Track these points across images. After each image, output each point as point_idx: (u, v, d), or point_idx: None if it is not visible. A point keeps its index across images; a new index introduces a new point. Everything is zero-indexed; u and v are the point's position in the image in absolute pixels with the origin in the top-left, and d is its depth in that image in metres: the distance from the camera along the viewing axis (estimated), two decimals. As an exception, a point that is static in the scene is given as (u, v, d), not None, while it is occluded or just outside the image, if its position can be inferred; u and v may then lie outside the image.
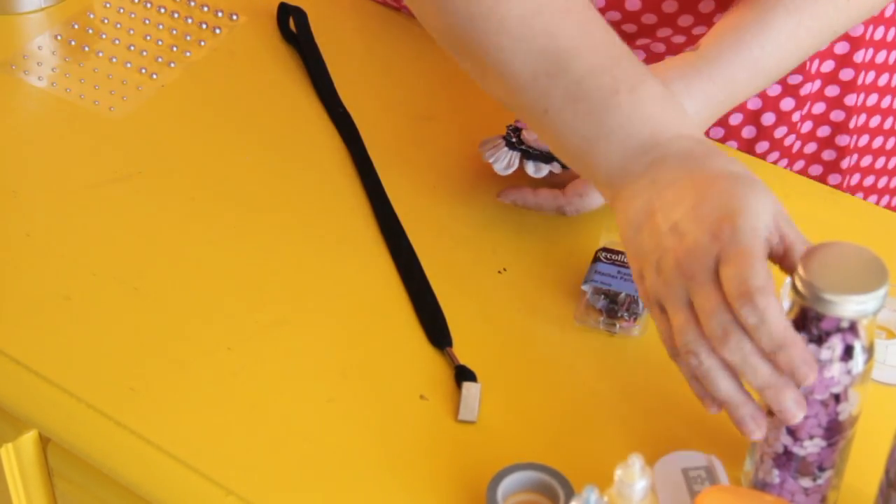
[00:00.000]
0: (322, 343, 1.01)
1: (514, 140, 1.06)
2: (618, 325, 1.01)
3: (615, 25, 1.18)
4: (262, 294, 1.04)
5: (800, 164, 1.23)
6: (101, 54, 1.26)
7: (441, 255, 1.07)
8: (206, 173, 1.14)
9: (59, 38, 1.28)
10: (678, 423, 0.95)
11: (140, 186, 1.13)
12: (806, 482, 0.86)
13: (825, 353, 0.81)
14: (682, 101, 0.99)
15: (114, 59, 1.26)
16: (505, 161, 1.05)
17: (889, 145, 1.26)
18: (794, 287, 0.81)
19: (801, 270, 0.81)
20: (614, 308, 1.01)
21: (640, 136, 0.91)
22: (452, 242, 1.08)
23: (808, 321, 0.82)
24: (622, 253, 1.04)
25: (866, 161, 1.25)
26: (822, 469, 0.86)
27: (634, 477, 0.81)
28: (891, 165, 1.27)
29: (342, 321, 1.02)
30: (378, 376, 0.98)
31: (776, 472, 0.86)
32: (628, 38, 1.18)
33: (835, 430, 0.84)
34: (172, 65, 1.25)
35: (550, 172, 1.05)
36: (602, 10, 1.16)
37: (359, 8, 1.31)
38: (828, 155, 1.23)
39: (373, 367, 0.99)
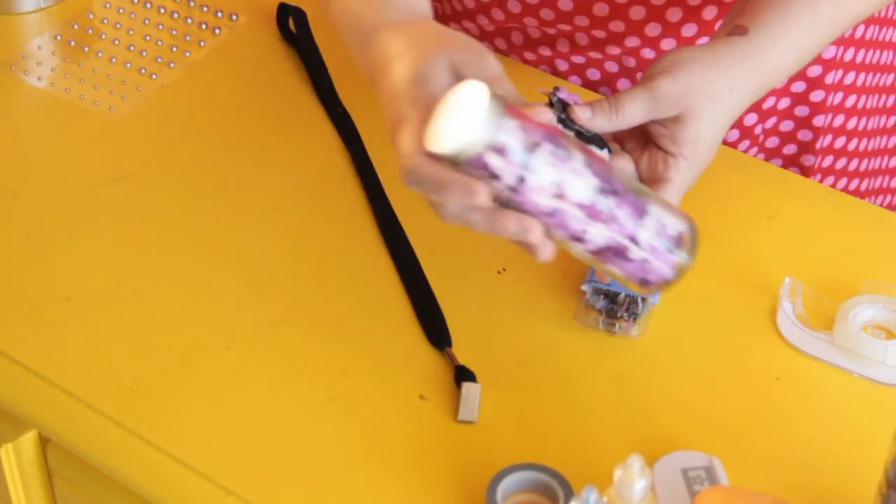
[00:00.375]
0: (322, 343, 1.01)
1: (563, 117, 0.96)
2: (617, 325, 1.01)
3: (584, 31, 1.18)
4: (262, 294, 1.04)
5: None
6: (100, 54, 1.26)
7: (441, 255, 1.07)
8: (206, 173, 1.14)
9: (58, 38, 1.28)
10: (678, 423, 0.95)
11: (140, 186, 1.13)
12: (636, 252, 0.89)
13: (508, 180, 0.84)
14: (732, 82, 0.98)
15: (113, 60, 1.26)
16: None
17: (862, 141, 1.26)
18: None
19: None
20: (614, 308, 1.01)
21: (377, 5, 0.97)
22: (452, 242, 1.08)
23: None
24: (622, 253, 1.04)
25: (840, 143, 1.25)
26: (631, 235, 0.88)
27: (634, 477, 0.81)
28: (861, 147, 1.27)
29: (342, 321, 1.02)
30: (378, 376, 0.98)
31: (612, 267, 0.89)
32: (599, 44, 1.18)
33: (593, 212, 0.86)
34: (172, 65, 1.25)
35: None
36: (570, 14, 1.16)
37: (359, 8, 1.31)
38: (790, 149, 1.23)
39: (373, 367, 0.99)
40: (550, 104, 0.95)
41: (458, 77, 0.89)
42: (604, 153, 0.95)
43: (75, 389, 0.98)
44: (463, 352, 0.99)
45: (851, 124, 1.23)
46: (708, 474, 0.89)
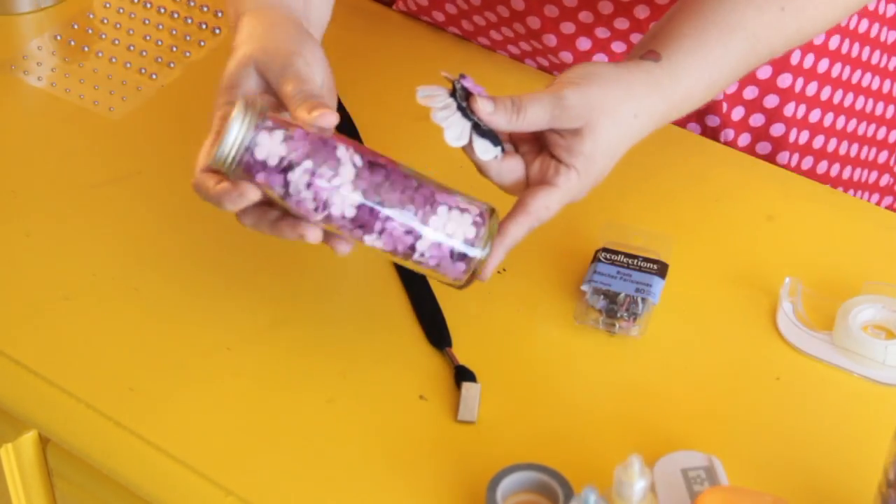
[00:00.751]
0: (322, 343, 1.01)
1: (464, 105, 0.94)
2: (617, 325, 1.01)
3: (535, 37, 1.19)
4: (262, 294, 1.04)
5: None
6: (100, 55, 1.26)
7: (441, 255, 1.06)
8: (206, 173, 1.14)
9: (58, 38, 1.28)
10: (678, 423, 0.95)
11: (140, 186, 1.13)
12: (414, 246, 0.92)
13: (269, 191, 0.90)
14: (639, 107, 0.97)
15: (113, 60, 1.26)
16: (457, 130, 0.94)
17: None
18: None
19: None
20: (614, 308, 1.01)
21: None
22: (452, 242, 1.08)
23: None
24: (622, 253, 1.04)
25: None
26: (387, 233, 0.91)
27: (634, 477, 0.81)
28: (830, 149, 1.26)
29: (342, 321, 1.02)
30: (378, 376, 0.98)
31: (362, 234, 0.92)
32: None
33: (362, 217, 0.90)
34: (172, 65, 1.25)
35: (496, 157, 0.95)
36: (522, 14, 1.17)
37: (358, 8, 1.31)
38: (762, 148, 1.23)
39: (373, 368, 0.99)
40: (453, 90, 0.94)
41: (265, 82, 0.94)
42: (497, 150, 0.94)
43: (75, 389, 0.98)
44: (463, 352, 0.99)
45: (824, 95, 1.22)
46: (708, 474, 0.89)
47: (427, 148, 1.18)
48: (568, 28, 1.18)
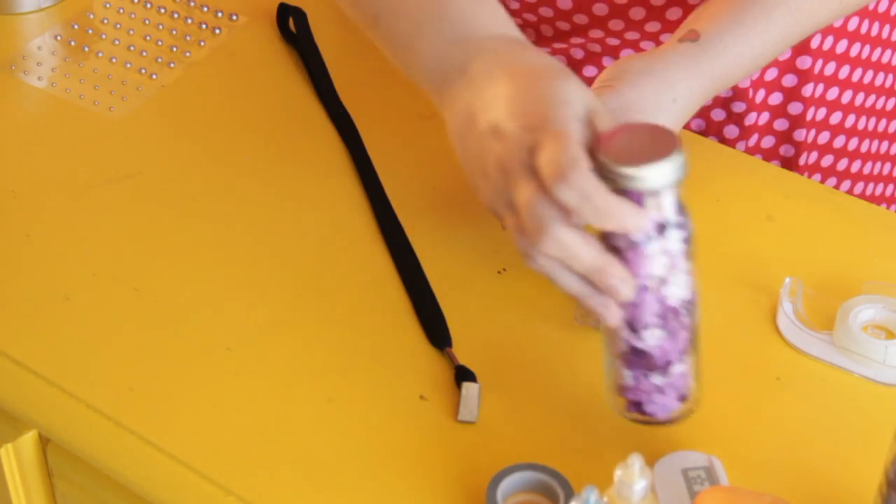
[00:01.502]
0: (322, 343, 1.01)
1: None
2: (618, 326, 1.00)
3: (548, 22, 1.18)
4: (261, 294, 1.04)
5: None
6: (100, 54, 1.26)
7: (441, 255, 1.07)
8: (206, 173, 1.14)
9: (58, 38, 1.28)
10: (678, 423, 0.95)
11: (140, 186, 1.13)
12: (657, 379, 0.86)
13: (638, 234, 0.82)
14: (676, 91, 0.98)
15: (114, 60, 1.26)
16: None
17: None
18: (598, 172, 0.82)
19: (598, 152, 0.82)
20: (614, 308, 1.01)
21: (454, 34, 0.91)
22: (452, 242, 1.08)
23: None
24: (622, 253, 1.04)
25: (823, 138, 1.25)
26: (669, 363, 0.86)
27: (634, 477, 0.81)
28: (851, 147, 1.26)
29: (342, 321, 1.02)
30: (378, 376, 0.98)
31: (628, 372, 0.87)
32: (563, 36, 1.18)
33: (669, 317, 0.84)
34: (172, 65, 1.25)
35: None
36: (535, 6, 1.16)
37: (359, 8, 1.31)
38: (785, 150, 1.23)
39: (373, 368, 0.99)
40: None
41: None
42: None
43: (75, 389, 0.98)
44: (463, 352, 0.99)
45: (837, 119, 1.23)
46: (708, 474, 0.89)
47: (427, 147, 1.18)
48: (596, 34, 1.18)
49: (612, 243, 0.84)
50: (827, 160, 1.24)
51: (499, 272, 1.06)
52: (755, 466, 0.92)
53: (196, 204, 1.11)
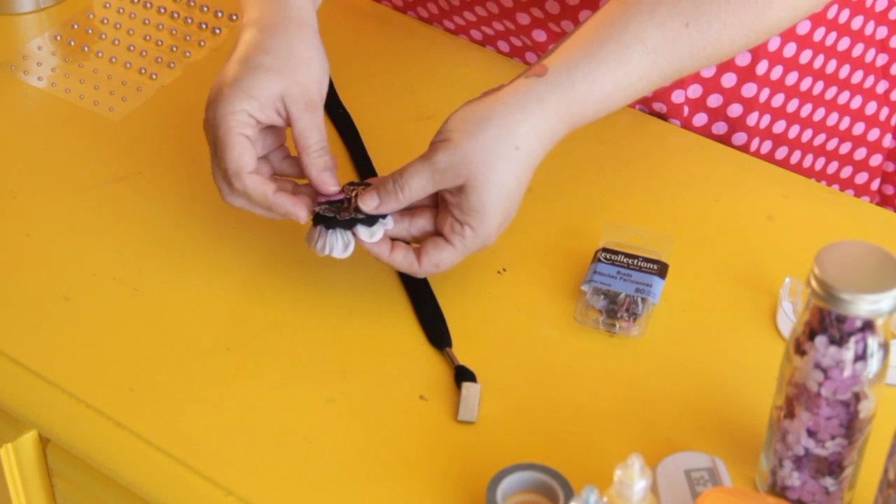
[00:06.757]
0: (322, 343, 1.01)
1: (331, 216, 0.98)
2: (617, 326, 1.01)
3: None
4: (261, 294, 1.04)
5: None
6: (100, 55, 1.26)
7: (441, 255, 1.06)
8: (206, 173, 1.14)
9: (58, 38, 1.28)
10: (678, 423, 0.95)
11: (140, 186, 1.13)
12: (827, 482, 0.86)
13: (846, 354, 0.82)
14: (517, 138, 0.95)
15: (113, 60, 1.26)
16: (341, 244, 0.99)
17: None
18: (810, 286, 0.82)
19: (816, 269, 0.81)
20: (614, 308, 1.01)
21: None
22: (452, 242, 1.08)
23: (828, 322, 0.82)
24: (622, 253, 1.04)
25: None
26: (842, 467, 0.86)
27: (634, 477, 0.81)
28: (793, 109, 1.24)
29: (342, 321, 1.02)
30: (378, 377, 0.98)
31: (797, 474, 0.86)
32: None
33: (855, 429, 0.84)
34: (172, 65, 1.25)
35: (385, 229, 0.99)
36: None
37: (358, 8, 1.31)
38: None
39: (373, 368, 0.99)
40: (347, 200, 0.99)
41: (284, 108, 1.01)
42: (386, 220, 0.98)
43: (75, 389, 0.98)
44: (463, 352, 0.99)
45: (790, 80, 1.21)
46: (711, 475, 0.89)
47: (426, 147, 1.18)
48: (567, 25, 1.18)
49: (819, 364, 0.83)
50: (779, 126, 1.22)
51: (498, 272, 1.06)
52: (756, 467, 0.92)
53: (196, 204, 1.11)
